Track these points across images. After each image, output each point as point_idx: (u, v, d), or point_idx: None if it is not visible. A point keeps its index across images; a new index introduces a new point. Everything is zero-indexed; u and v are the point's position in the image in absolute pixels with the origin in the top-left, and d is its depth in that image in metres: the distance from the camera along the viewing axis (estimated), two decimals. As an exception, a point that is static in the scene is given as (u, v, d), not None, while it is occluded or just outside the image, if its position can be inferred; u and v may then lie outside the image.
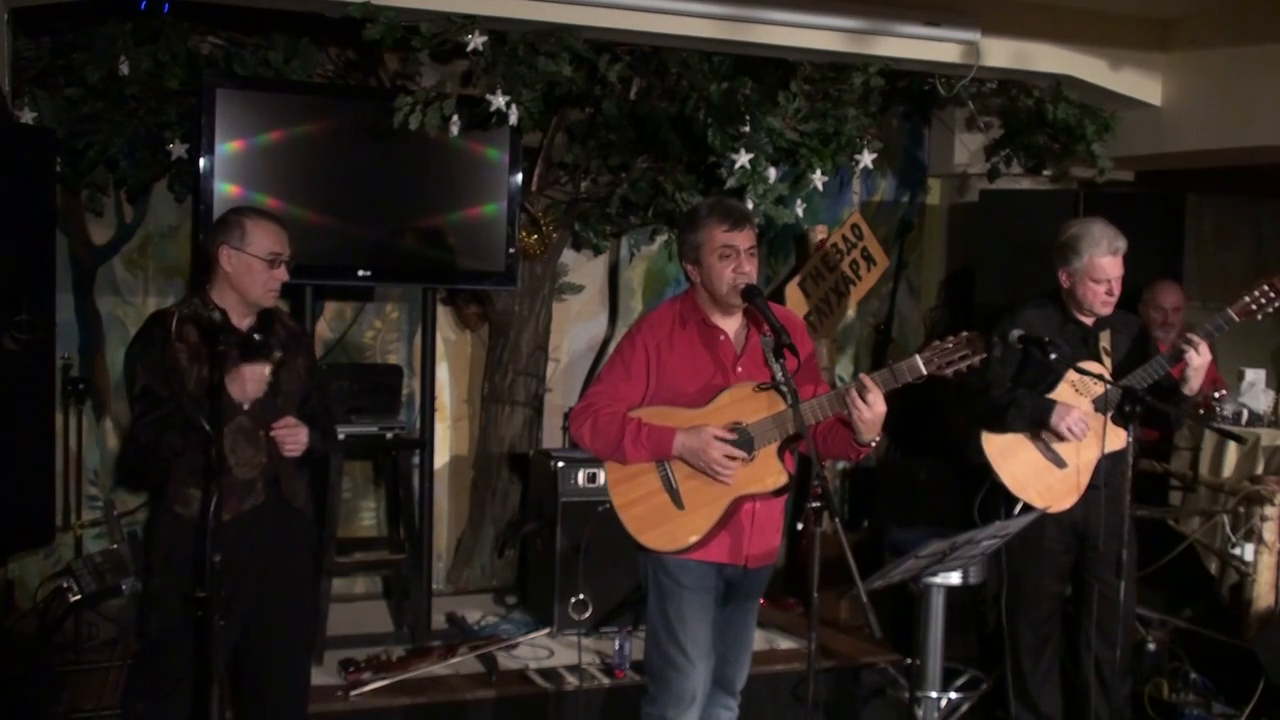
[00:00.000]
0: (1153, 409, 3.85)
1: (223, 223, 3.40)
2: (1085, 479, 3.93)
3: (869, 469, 6.20)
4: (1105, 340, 4.03)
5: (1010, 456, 4.01)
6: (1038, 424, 3.93)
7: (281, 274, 3.35)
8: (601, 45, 4.99)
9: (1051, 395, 3.95)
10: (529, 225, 5.48)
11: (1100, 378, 3.81)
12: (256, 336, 3.24)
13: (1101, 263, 3.91)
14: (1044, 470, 3.98)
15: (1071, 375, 3.92)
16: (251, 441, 3.29)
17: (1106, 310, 4.00)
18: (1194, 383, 3.89)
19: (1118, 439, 3.93)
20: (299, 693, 3.57)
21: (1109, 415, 3.90)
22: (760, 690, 4.42)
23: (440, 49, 4.72)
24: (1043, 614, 4.11)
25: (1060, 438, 3.90)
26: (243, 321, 3.31)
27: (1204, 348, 3.83)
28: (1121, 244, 3.94)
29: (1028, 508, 3.95)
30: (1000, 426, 4.00)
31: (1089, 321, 4.03)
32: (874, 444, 3.15)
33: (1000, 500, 4.02)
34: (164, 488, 3.28)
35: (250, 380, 3.19)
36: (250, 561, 3.25)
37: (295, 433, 3.32)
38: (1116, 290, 3.96)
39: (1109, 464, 3.96)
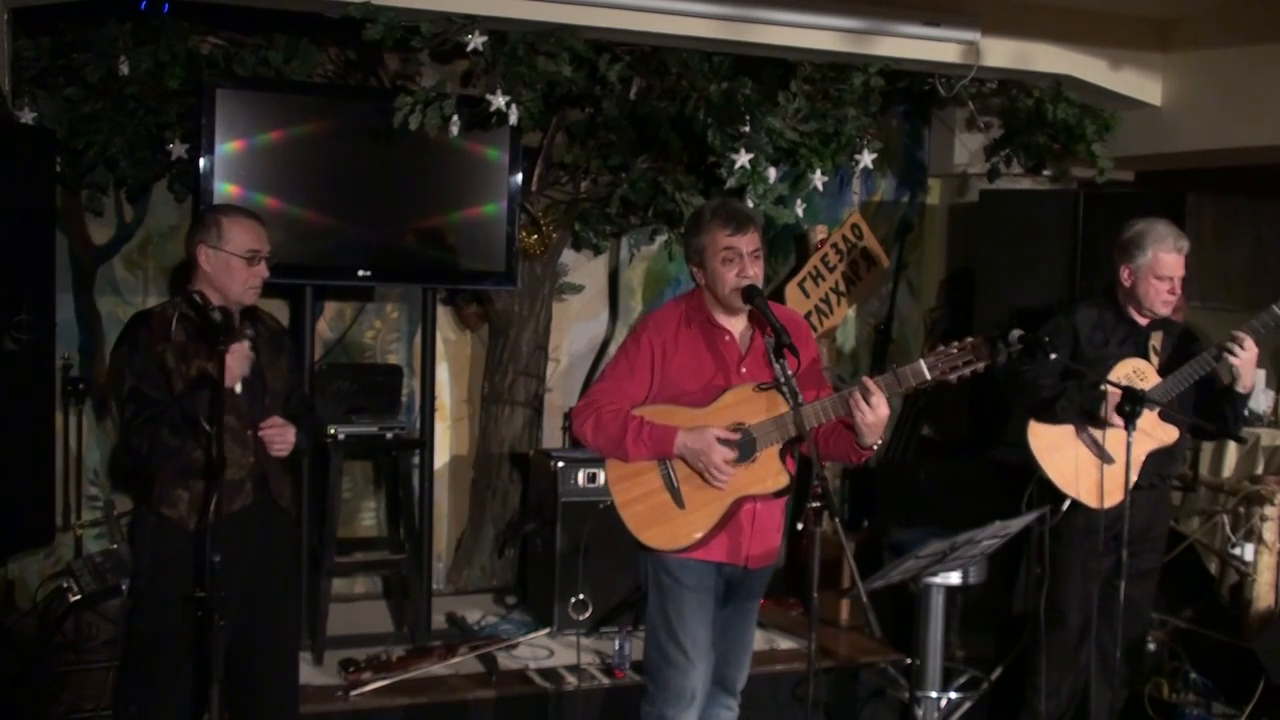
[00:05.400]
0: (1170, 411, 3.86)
1: (200, 222, 3.40)
2: (1134, 475, 3.82)
3: (869, 469, 6.21)
4: (1156, 340, 4.01)
5: (1056, 452, 3.97)
6: (1089, 414, 3.89)
7: (261, 270, 3.35)
8: (601, 45, 4.99)
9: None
10: (529, 225, 5.48)
11: (1113, 384, 3.76)
12: (218, 317, 3.16)
13: (1166, 259, 3.89)
14: (1091, 466, 3.94)
15: (1125, 368, 3.90)
16: (240, 442, 3.29)
17: (1166, 310, 3.97)
18: (1246, 379, 3.84)
19: (1164, 435, 3.93)
20: (290, 693, 3.57)
21: (1158, 413, 3.90)
22: (760, 690, 4.42)
23: (440, 49, 4.72)
24: (1084, 615, 4.06)
25: (1111, 426, 3.83)
26: None
27: (1249, 343, 3.79)
28: (1185, 243, 3.94)
29: (1074, 503, 3.94)
30: (1050, 416, 3.96)
31: (1143, 322, 4.01)
32: (876, 447, 3.15)
33: (1045, 496, 3.99)
34: (150, 489, 3.27)
35: (234, 362, 3.17)
36: (238, 562, 3.24)
37: (283, 432, 3.33)
38: (1178, 290, 3.94)
39: (1154, 463, 3.96)
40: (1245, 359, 3.80)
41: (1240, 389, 3.87)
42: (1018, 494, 4.06)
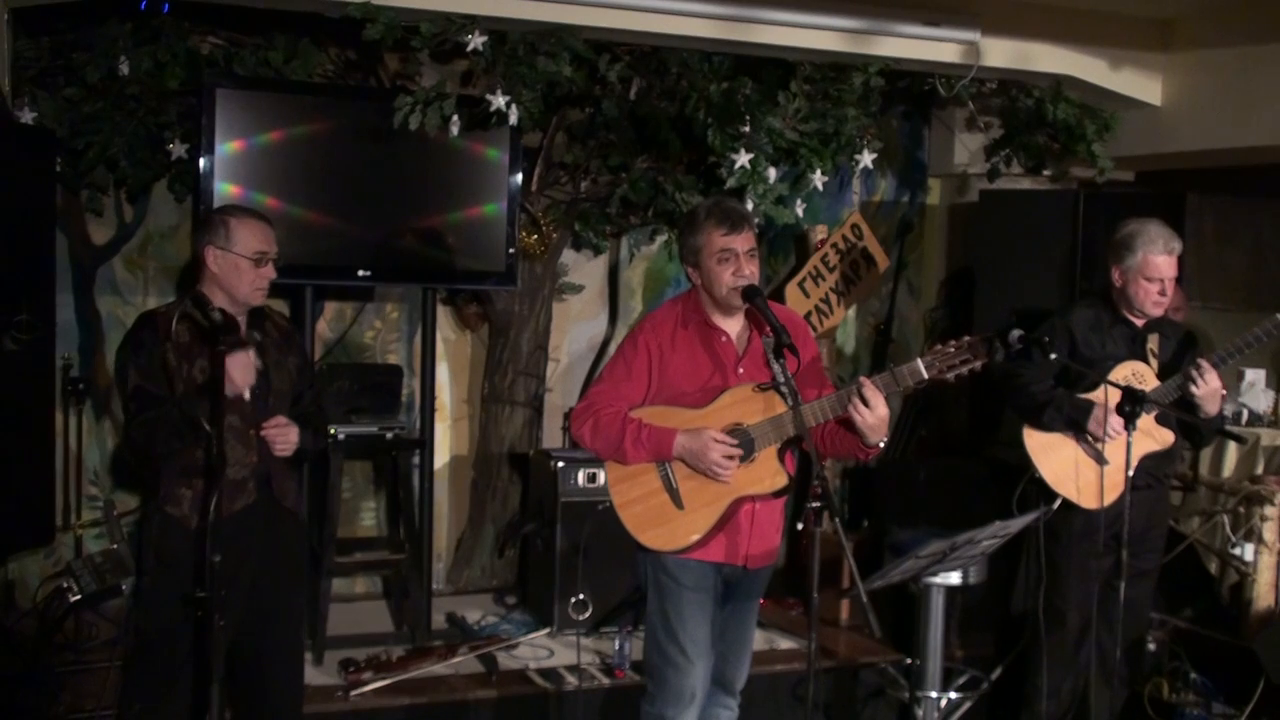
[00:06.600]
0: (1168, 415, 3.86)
1: (207, 223, 3.38)
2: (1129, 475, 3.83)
3: (869, 469, 6.21)
4: (1153, 343, 4.01)
5: (1051, 451, 3.97)
6: (1075, 425, 3.91)
7: (269, 272, 3.34)
8: (601, 45, 4.99)
9: (1095, 394, 3.90)
10: (529, 225, 5.48)
11: (1115, 384, 3.75)
12: (217, 317, 3.14)
13: (1156, 261, 3.89)
14: (1085, 466, 3.94)
15: (1124, 370, 3.90)
16: (243, 441, 3.28)
17: (1158, 311, 3.97)
18: (1208, 408, 3.84)
19: (1160, 439, 3.93)
20: (294, 693, 3.57)
21: (1154, 416, 3.90)
22: (760, 690, 4.42)
23: (440, 49, 4.73)
24: (1084, 616, 4.06)
25: (1098, 438, 3.85)
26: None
27: (1211, 376, 3.78)
28: (1177, 245, 3.93)
29: (1067, 503, 3.94)
30: (1038, 424, 3.97)
31: (1139, 323, 4.01)
32: (882, 445, 3.15)
33: (1039, 495, 3.99)
34: (156, 488, 3.28)
35: (236, 370, 3.17)
36: (242, 561, 3.25)
37: (286, 432, 3.32)
38: (1169, 291, 3.94)
39: (1150, 464, 3.95)
40: (1204, 392, 3.79)
41: (1203, 416, 3.86)
42: (1026, 494, 4.06)
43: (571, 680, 4.50)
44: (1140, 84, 5.53)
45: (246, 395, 3.26)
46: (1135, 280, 3.92)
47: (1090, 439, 3.91)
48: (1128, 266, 3.93)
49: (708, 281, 3.25)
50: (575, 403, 3.46)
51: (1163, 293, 3.93)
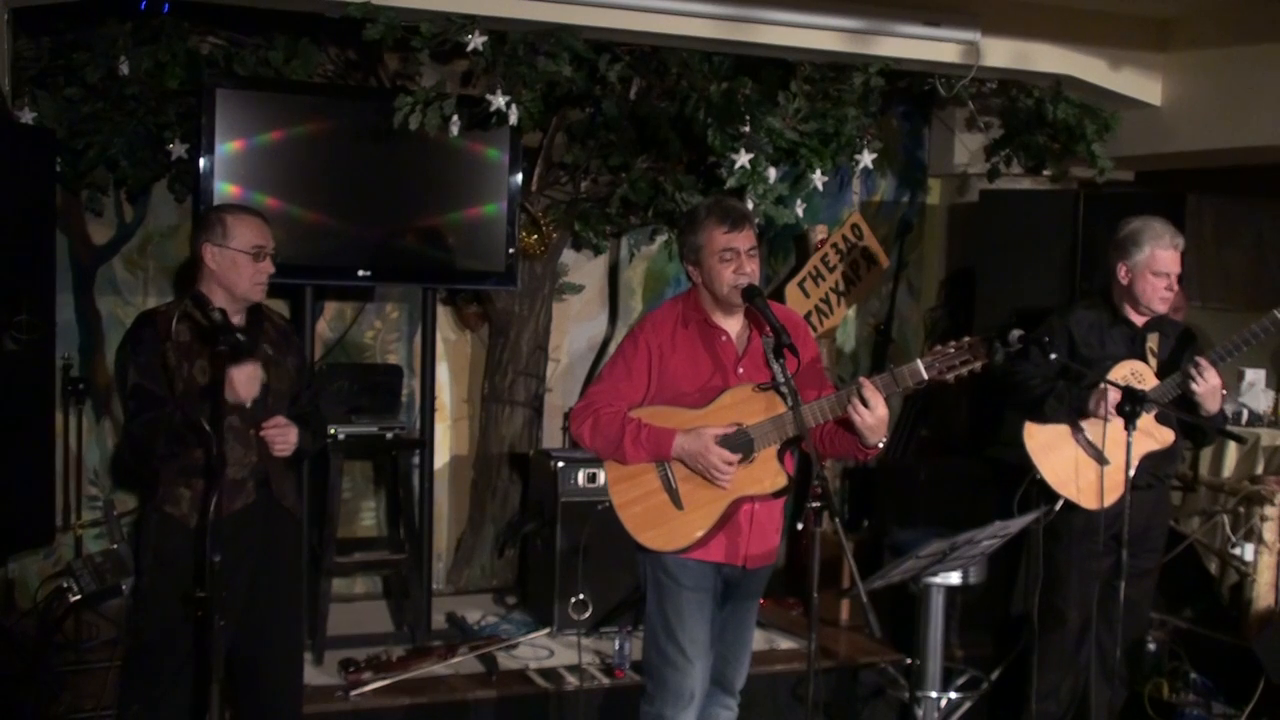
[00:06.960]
0: (1167, 414, 3.86)
1: (204, 221, 3.41)
2: (1130, 475, 3.80)
3: (869, 469, 6.21)
4: (1153, 342, 4.01)
5: (1052, 452, 3.97)
6: (1077, 412, 3.89)
7: (267, 266, 3.36)
8: (601, 45, 4.99)
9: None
10: (529, 225, 5.48)
11: (1114, 384, 3.75)
12: (241, 337, 3.18)
13: (1163, 255, 3.90)
14: (1085, 466, 3.93)
15: (1123, 369, 3.89)
16: (242, 441, 3.29)
17: (1163, 308, 3.97)
18: (1208, 405, 3.83)
19: (1160, 438, 3.93)
20: (292, 693, 3.58)
21: (1154, 415, 3.90)
22: (760, 690, 4.42)
23: (440, 49, 4.72)
24: (1084, 616, 4.05)
25: (1102, 419, 3.84)
26: (233, 319, 3.28)
27: (1210, 373, 3.78)
28: (1180, 240, 3.94)
29: (1068, 502, 3.94)
30: (1040, 415, 3.97)
31: (1140, 322, 4.01)
32: (881, 445, 3.15)
33: (1040, 495, 3.99)
34: (154, 487, 3.29)
35: (241, 382, 3.19)
36: (241, 561, 3.25)
37: (285, 432, 3.33)
38: (1175, 287, 3.95)
39: (1151, 464, 3.95)
40: (1204, 389, 3.79)
41: (1204, 414, 3.86)
42: (1027, 496, 4.06)
43: (571, 680, 4.50)
44: (1140, 84, 5.53)
45: (248, 404, 3.27)
46: (1143, 276, 3.92)
47: (1095, 433, 3.90)
48: (1135, 263, 3.93)
49: (709, 280, 3.25)
50: (575, 402, 3.46)
51: (1169, 288, 3.93)
